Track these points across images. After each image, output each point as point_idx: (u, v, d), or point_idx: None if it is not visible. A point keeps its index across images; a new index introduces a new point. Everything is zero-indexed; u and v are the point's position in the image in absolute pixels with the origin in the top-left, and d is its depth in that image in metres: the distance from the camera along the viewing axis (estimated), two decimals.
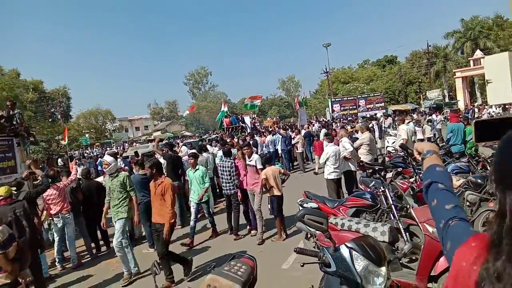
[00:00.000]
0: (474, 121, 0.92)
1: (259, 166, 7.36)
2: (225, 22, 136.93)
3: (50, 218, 7.21)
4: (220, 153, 10.51)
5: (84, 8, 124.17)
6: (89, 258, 7.62)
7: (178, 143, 19.92)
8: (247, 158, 7.65)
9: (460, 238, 1.03)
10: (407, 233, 4.55)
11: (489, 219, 0.96)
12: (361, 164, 7.99)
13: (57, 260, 7.12)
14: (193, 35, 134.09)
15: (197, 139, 23.35)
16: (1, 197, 5.67)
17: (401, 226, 4.52)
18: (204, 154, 10.55)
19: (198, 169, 7.77)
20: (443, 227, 1.14)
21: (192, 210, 7.89)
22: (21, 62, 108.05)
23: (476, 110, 27.94)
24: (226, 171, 7.71)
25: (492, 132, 0.88)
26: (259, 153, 12.85)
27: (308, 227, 2.38)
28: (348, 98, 41.22)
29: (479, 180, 5.87)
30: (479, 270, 0.86)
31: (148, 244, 7.60)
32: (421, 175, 6.45)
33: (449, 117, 11.34)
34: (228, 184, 7.76)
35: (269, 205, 7.33)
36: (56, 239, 7.12)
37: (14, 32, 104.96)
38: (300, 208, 5.90)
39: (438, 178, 1.29)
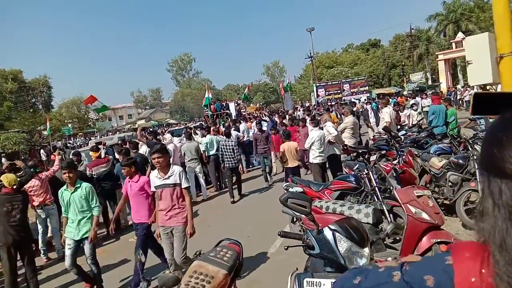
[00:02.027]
0: (473, 92, 0.90)
1: None
2: (209, 7, 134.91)
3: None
4: (204, 139, 10.49)
5: None
6: None
7: (162, 132, 19.78)
8: None
9: (440, 262, 0.89)
10: (390, 214, 4.62)
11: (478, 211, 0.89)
12: (345, 147, 8.07)
13: (42, 251, 7.04)
14: (176, 20, 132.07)
15: (182, 127, 23.18)
16: (2, 185, 5.63)
17: (384, 208, 4.59)
18: (194, 141, 10.55)
19: (79, 186, 5.26)
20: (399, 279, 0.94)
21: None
22: None
23: (458, 92, 28.35)
24: (229, 149, 9.34)
25: (491, 106, 0.86)
26: (245, 139, 12.88)
27: (292, 210, 2.39)
28: (333, 83, 41.35)
29: (460, 161, 5.98)
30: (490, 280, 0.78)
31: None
32: (403, 157, 6.56)
33: (431, 99, 11.46)
34: (231, 159, 9.35)
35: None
36: (40, 230, 7.03)
37: None
38: (286, 192, 5.95)
39: None
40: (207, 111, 21.64)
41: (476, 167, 5.27)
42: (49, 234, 7.35)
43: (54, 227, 7.13)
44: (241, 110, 25.52)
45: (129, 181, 5.50)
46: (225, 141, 9.59)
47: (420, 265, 0.94)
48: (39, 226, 7.06)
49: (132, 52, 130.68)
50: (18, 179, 5.97)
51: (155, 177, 4.76)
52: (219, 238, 3.77)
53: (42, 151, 22.21)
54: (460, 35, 36.90)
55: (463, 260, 0.85)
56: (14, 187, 5.92)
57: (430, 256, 0.99)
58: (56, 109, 56.53)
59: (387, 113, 10.44)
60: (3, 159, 17.30)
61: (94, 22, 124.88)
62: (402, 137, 8.71)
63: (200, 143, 10.42)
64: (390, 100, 15.36)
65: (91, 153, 8.56)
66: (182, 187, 4.70)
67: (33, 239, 6.25)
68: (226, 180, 9.89)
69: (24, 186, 6.64)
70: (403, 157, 6.62)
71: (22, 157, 20.77)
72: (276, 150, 10.37)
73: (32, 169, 7.06)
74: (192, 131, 12.22)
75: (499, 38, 3.74)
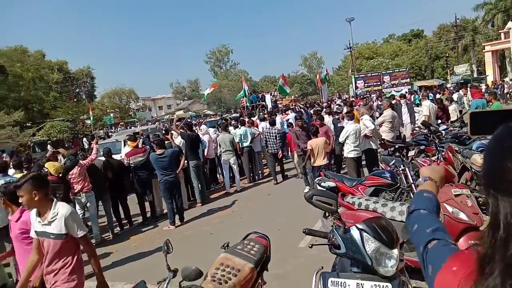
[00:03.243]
0: (470, 112, 0.82)
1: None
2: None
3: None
4: (239, 131, 10.52)
5: None
6: (110, 237, 7.79)
7: (197, 123, 20.02)
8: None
9: (440, 260, 0.94)
10: None
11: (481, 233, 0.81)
12: (382, 142, 7.83)
13: None
14: (214, 12, 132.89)
15: (218, 118, 23.36)
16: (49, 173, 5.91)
17: None
18: (231, 132, 10.75)
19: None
20: (422, 251, 1.05)
21: None
22: (46, 44, 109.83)
23: (506, 86, 26.84)
24: (272, 136, 10.27)
25: (489, 125, 0.77)
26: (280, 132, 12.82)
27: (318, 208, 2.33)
28: (372, 74, 40.18)
29: None
30: None
31: (169, 221, 7.74)
32: (443, 153, 6.28)
33: (471, 94, 10.89)
34: (274, 146, 10.26)
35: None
36: (80, 215, 7.28)
37: (39, 13, 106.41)
38: (318, 187, 5.86)
39: (421, 204, 1.24)
40: (243, 102, 21.67)
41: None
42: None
43: (92, 213, 7.40)
44: (277, 102, 25.38)
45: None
46: (269, 129, 10.60)
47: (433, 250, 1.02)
48: (79, 212, 7.31)
49: (172, 44, 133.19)
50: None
51: (34, 219, 3.21)
52: (249, 230, 3.77)
53: (84, 139, 23.13)
54: (510, 24, 34.78)
55: (448, 271, 0.87)
56: (60, 175, 6.21)
57: (438, 251, 1.01)
58: (99, 99, 58.65)
59: (426, 107, 10.04)
60: (49, 146, 18.16)
61: (135, 16, 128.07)
62: (443, 132, 8.34)
63: (235, 135, 10.46)
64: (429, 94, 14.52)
65: (128, 142, 8.78)
66: (77, 236, 3.17)
67: None
68: (269, 165, 10.76)
69: (68, 174, 6.96)
70: (443, 153, 6.34)
71: (66, 145, 21.78)
72: (292, 149, 10.34)
73: (76, 157, 7.34)
74: (227, 122, 12.28)
75: None
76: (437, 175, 1.42)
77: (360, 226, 2.24)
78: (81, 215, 7.24)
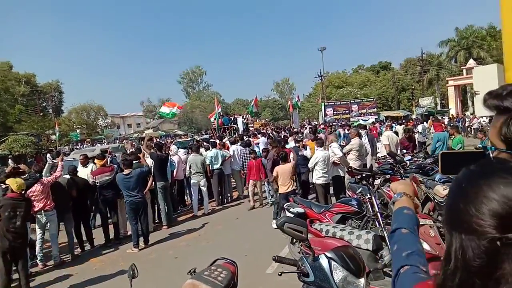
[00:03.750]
0: (440, 152, 0.88)
1: None
2: (222, 23, 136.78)
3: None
4: (210, 153, 10.48)
5: (80, 2, 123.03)
6: (70, 258, 7.46)
7: (167, 142, 19.77)
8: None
9: None
10: None
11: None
12: (349, 169, 8.00)
13: (38, 257, 6.98)
14: (189, 34, 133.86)
15: (188, 139, 23.23)
16: (10, 189, 5.66)
17: (385, 234, 4.50)
18: (203, 154, 10.64)
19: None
20: (395, 275, 1.09)
21: None
22: (15, 55, 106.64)
23: (467, 119, 28.20)
24: (249, 158, 10.42)
25: (458, 165, 0.83)
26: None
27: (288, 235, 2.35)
28: (341, 103, 41.32)
29: None
30: None
31: (133, 244, 7.52)
32: None
33: (433, 126, 11.36)
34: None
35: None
36: (39, 236, 6.98)
37: (8, 23, 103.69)
38: (287, 212, 5.89)
39: (402, 222, 1.26)
40: (214, 124, 21.70)
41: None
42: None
43: (52, 233, 7.08)
44: (249, 125, 25.54)
45: None
46: (245, 149, 11.19)
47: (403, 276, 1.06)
48: (38, 232, 7.00)
49: (144, 62, 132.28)
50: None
51: None
52: (216, 254, 3.71)
53: (48, 155, 22.33)
54: (471, 62, 36.96)
55: None
56: (22, 192, 5.95)
57: (407, 277, 1.05)
58: (66, 114, 57.16)
59: (385, 137, 10.38)
60: (10, 161, 17.40)
61: (108, 32, 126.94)
62: (408, 162, 8.62)
63: (206, 157, 10.39)
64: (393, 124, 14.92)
65: (96, 160, 8.56)
66: None
67: (28, 245, 6.24)
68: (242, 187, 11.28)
69: (27, 191, 6.68)
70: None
71: (29, 160, 20.94)
72: (255, 177, 9.76)
73: (38, 174, 7.07)
74: (199, 144, 12.19)
75: (508, 70, 3.69)
76: (410, 189, 1.44)
77: (328, 255, 2.26)
78: (40, 235, 6.96)
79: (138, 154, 9.29)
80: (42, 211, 6.83)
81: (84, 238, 8.01)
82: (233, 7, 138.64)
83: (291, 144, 11.20)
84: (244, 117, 25.68)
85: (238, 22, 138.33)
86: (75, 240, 7.81)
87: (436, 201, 6.19)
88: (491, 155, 0.94)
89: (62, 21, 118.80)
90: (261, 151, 11.37)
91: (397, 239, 1.21)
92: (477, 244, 0.70)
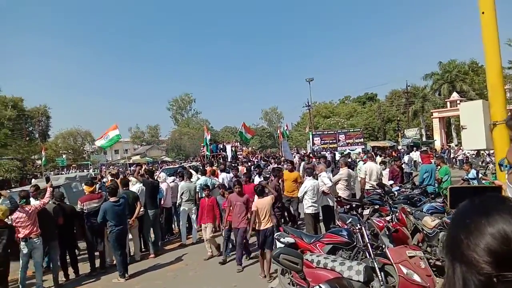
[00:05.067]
0: (449, 187, 0.91)
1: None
2: (212, 50, 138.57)
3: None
4: (199, 181, 10.44)
5: (71, 26, 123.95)
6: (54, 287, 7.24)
7: (157, 169, 19.64)
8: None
9: None
10: (382, 273, 4.54)
11: None
12: (338, 199, 8.06)
13: (20, 286, 6.76)
14: (178, 61, 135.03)
15: (177, 166, 23.15)
16: None
17: (376, 266, 4.52)
18: (193, 180, 10.53)
19: None
20: None
21: None
22: (3, 79, 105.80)
23: (452, 151, 28.73)
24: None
25: (467, 199, 0.87)
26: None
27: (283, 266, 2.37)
28: (329, 132, 41.77)
29: None
30: None
31: (119, 274, 7.36)
32: (397, 214, 6.54)
33: (421, 158, 11.56)
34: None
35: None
36: (21, 264, 6.76)
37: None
38: (277, 242, 5.87)
39: None
40: (203, 151, 21.72)
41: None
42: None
43: (37, 261, 6.89)
44: (237, 153, 25.61)
45: None
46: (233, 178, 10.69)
47: None
48: (21, 260, 6.81)
49: (133, 88, 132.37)
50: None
51: None
52: (205, 285, 3.69)
53: (33, 180, 21.98)
54: (454, 95, 38.00)
55: None
56: (5, 219, 5.84)
57: None
58: (53, 139, 56.58)
59: (364, 168, 10.46)
60: None
61: (96, 57, 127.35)
62: (396, 192, 8.73)
63: (195, 184, 10.34)
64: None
65: (85, 187, 8.47)
66: None
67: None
68: None
69: (11, 218, 6.55)
70: (396, 214, 6.60)
71: (13, 185, 20.55)
72: (206, 220, 8.40)
73: (24, 200, 6.93)
74: (191, 171, 12.12)
75: (493, 106, 3.88)
76: None
77: (323, 287, 2.28)
78: (24, 263, 6.78)
79: (115, 180, 9.17)
80: (27, 237, 6.68)
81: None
82: (224, 36, 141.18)
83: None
84: (234, 145, 25.77)
85: (228, 51, 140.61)
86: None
87: (425, 232, 6.26)
88: (506, 174, 0.95)
89: (52, 46, 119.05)
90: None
91: None
92: (476, 277, 0.73)
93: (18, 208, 6.64)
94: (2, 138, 35.08)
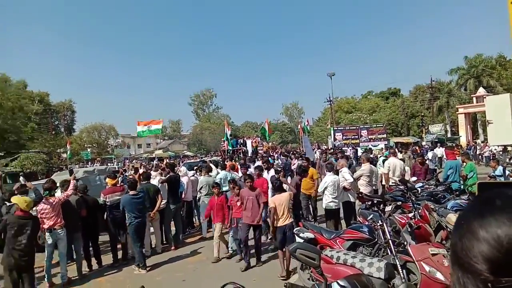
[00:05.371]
0: (477, 182, 0.85)
1: None
2: (234, 47, 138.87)
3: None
4: (219, 175, 10.47)
5: (96, 24, 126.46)
6: (78, 278, 7.40)
7: (178, 163, 19.84)
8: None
9: None
10: (404, 270, 4.44)
11: None
12: (360, 195, 7.94)
13: (46, 276, 6.96)
14: (201, 56, 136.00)
15: (198, 160, 23.35)
16: (18, 208, 5.71)
17: (397, 263, 4.42)
18: (212, 175, 10.58)
19: None
20: None
21: None
22: (30, 74, 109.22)
23: (478, 147, 27.93)
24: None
25: None
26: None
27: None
28: (351, 128, 41.29)
29: None
30: None
31: (138, 265, 7.47)
32: (419, 211, 6.39)
33: (445, 154, 11.27)
34: None
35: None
36: (47, 254, 6.96)
37: (25, 43, 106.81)
38: (297, 238, 5.84)
39: None
40: (223, 146, 21.81)
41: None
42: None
43: (61, 252, 7.08)
44: (258, 148, 25.60)
45: None
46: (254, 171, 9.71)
47: None
48: (46, 250, 7.00)
49: (156, 84, 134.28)
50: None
51: None
52: (223, 278, 3.69)
53: (54, 175, 22.56)
54: (481, 90, 36.84)
55: None
56: (29, 212, 6.00)
57: None
58: (77, 133, 57.98)
59: (387, 164, 10.30)
60: (21, 178, 17.59)
61: (121, 54, 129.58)
62: (419, 189, 8.54)
63: (215, 179, 10.37)
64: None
65: (107, 180, 8.63)
66: None
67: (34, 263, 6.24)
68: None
69: (36, 209, 6.73)
70: (419, 210, 6.46)
71: (39, 178, 21.14)
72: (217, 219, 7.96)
73: (47, 192, 7.11)
74: (211, 165, 12.17)
75: None
76: None
77: (341, 283, 2.24)
78: (49, 253, 6.95)
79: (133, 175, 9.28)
80: (52, 229, 6.86)
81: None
82: (245, 32, 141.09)
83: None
84: (254, 140, 25.77)
85: (249, 46, 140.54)
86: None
87: (449, 229, 6.10)
88: None
89: (77, 43, 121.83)
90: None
91: None
92: (474, 282, 0.68)
93: (43, 200, 6.82)
94: (29, 132, 36.22)
